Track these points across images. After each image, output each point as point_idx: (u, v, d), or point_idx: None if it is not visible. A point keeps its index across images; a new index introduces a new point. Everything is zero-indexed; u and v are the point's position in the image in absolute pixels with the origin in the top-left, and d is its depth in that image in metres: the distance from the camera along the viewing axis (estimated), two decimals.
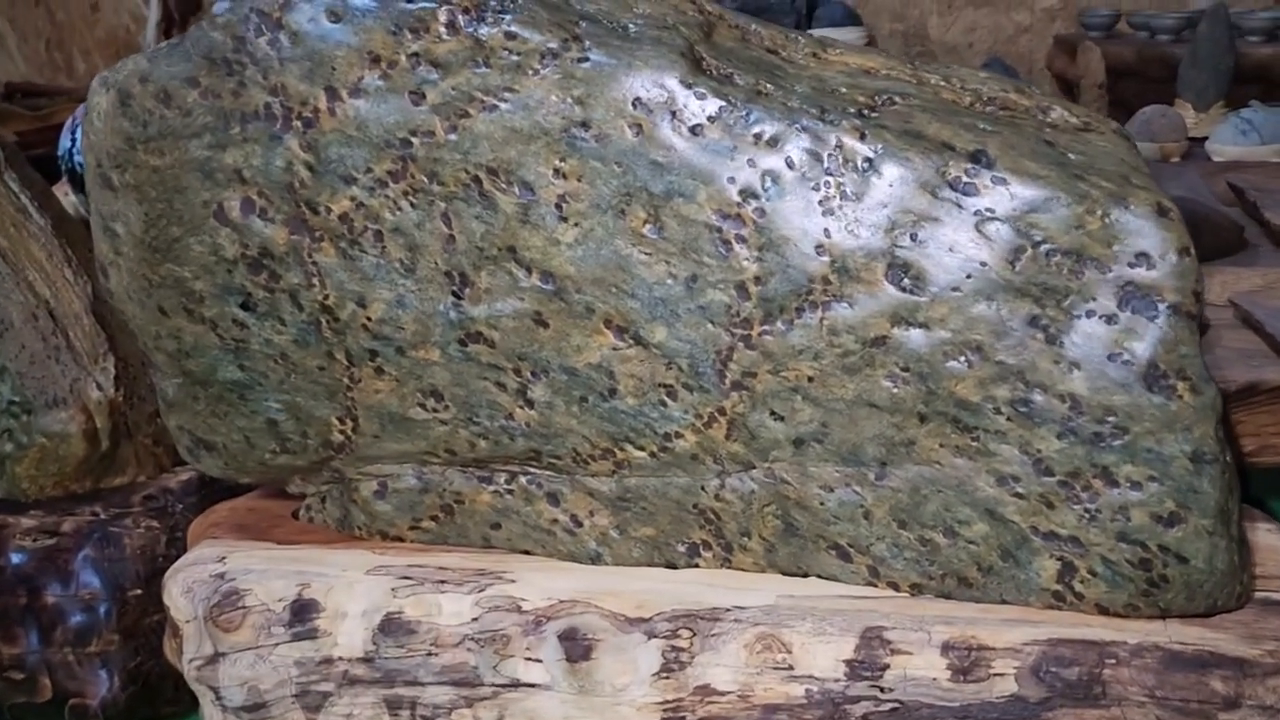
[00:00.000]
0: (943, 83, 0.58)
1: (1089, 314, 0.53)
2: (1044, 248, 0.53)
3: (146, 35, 2.35)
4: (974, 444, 0.56)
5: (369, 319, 0.62)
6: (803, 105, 0.55)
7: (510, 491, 0.67)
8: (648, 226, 0.57)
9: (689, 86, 0.55)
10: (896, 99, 0.56)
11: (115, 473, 0.85)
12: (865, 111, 0.56)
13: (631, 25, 0.57)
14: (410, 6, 0.56)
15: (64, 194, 1.31)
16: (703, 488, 0.62)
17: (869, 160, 0.54)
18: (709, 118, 0.55)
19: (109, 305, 0.80)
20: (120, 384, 0.83)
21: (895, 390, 0.57)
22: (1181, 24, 1.82)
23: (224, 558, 0.70)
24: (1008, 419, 0.55)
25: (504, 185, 0.58)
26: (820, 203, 0.55)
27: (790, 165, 0.55)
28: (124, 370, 0.84)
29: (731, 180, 0.55)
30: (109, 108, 0.61)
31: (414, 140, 0.58)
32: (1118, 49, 1.83)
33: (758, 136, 0.55)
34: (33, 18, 2.31)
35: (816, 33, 0.87)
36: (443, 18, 0.56)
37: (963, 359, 0.55)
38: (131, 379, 0.85)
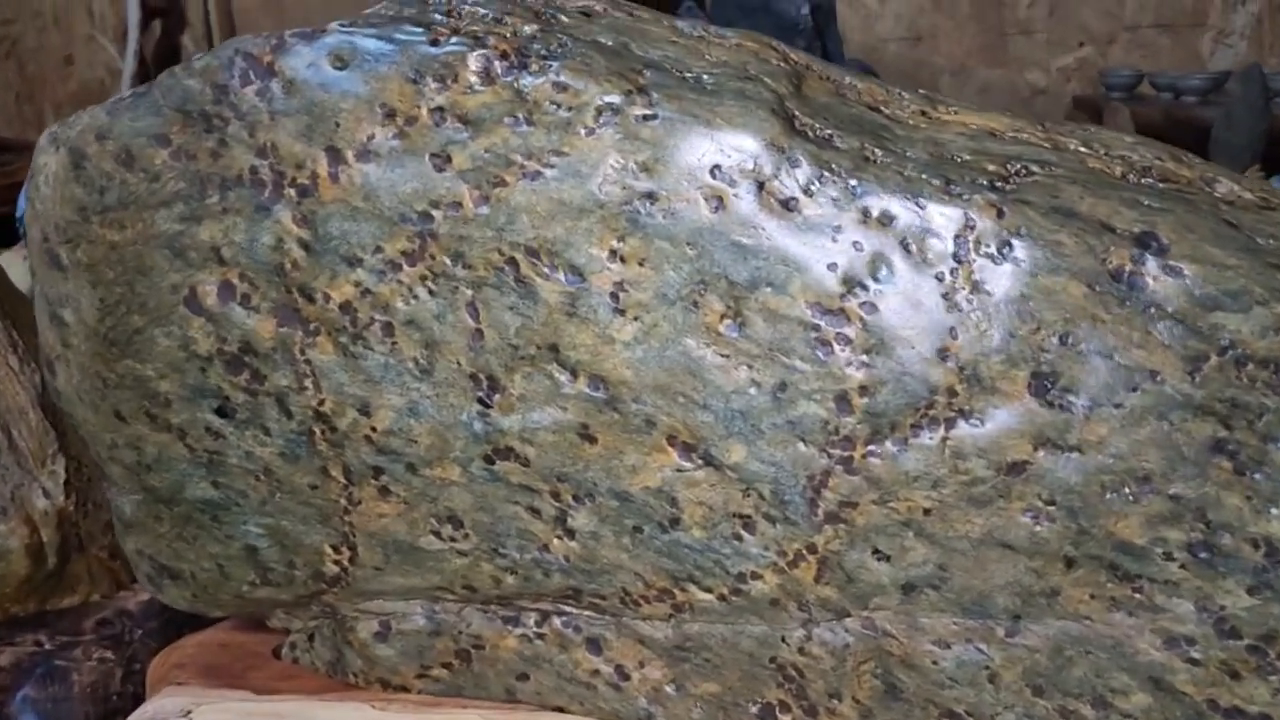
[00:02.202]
0: (1083, 147, 0.48)
1: None
2: (1232, 355, 0.43)
3: (122, 90, 2.24)
4: (1136, 596, 0.45)
5: (374, 429, 0.51)
6: (921, 175, 0.45)
7: (541, 635, 0.55)
8: (726, 323, 0.46)
9: (781, 151, 0.45)
10: (1034, 167, 0.46)
11: (64, 592, 0.73)
12: (998, 183, 0.45)
13: (706, 75, 0.46)
14: (434, 50, 0.46)
15: (24, 257, 1.19)
16: (783, 639, 0.51)
17: (1008, 243, 0.44)
18: (806, 190, 0.45)
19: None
20: (71, 489, 0.71)
21: (1036, 528, 0.45)
22: (1209, 85, 1.75)
23: (189, 711, 0.58)
24: (1182, 567, 0.44)
25: (547, 270, 0.47)
26: (945, 295, 0.44)
27: (907, 249, 0.44)
28: (76, 473, 0.72)
29: (833, 267, 0.45)
30: (59, 170, 0.50)
31: (436, 214, 0.47)
32: (1144, 111, 1.75)
33: (866, 213, 0.44)
34: (2, 70, 2.21)
35: None
36: (474, 64, 0.46)
37: (1125, 491, 0.44)
38: (85, 482, 0.73)
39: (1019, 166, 0.46)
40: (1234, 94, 1.59)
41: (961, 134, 0.47)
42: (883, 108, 0.49)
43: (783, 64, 0.48)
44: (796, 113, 0.46)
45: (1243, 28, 1.80)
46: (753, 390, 0.46)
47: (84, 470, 0.74)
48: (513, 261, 0.47)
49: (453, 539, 0.53)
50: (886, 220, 0.44)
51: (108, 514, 0.75)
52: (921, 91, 0.50)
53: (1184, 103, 1.78)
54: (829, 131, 0.46)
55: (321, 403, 0.51)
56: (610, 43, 0.47)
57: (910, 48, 1.95)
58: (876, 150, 0.45)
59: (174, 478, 0.55)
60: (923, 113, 0.49)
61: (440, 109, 0.46)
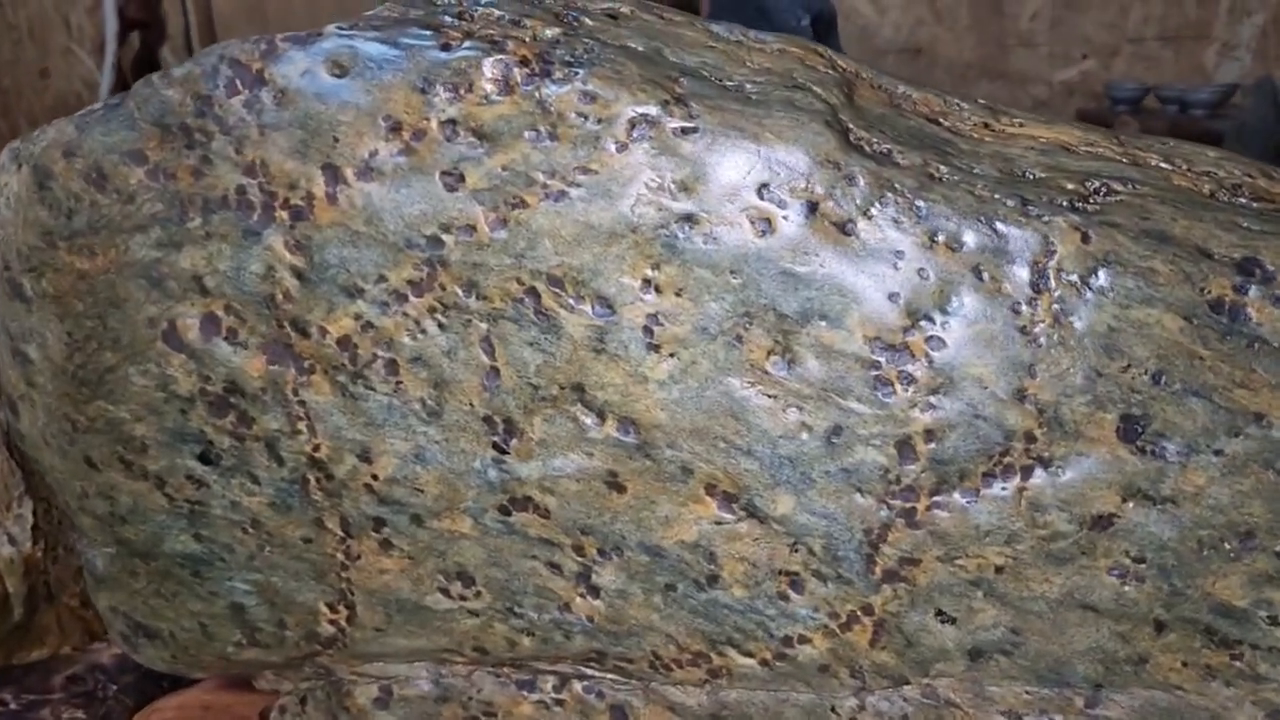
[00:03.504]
0: (1164, 163, 0.43)
1: None
2: None
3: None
4: (1236, 664, 0.40)
5: (375, 477, 0.46)
6: (994, 194, 0.40)
7: (560, 702, 0.50)
8: (773, 359, 0.41)
9: (837, 168, 0.40)
10: (1116, 185, 0.41)
11: (31, 645, 0.67)
12: (1079, 203, 0.40)
13: (748, 84, 0.42)
14: (445, 56, 0.41)
15: None
16: (833, 709, 0.46)
17: (1094, 271, 0.39)
18: (864, 211, 0.40)
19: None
20: (40, 534, 0.65)
21: (1123, 588, 0.41)
22: (1217, 98, 1.72)
23: None
24: None
25: (572, 301, 0.42)
26: (1023, 329, 0.39)
27: (980, 276, 0.39)
28: (44, 516, 0.67)
29: (895, 297, 0.40)
30: (21, 191, 0.45)
31: (446, 239, 0.42)
32: (1151, 125, 1.72)
33: (933, 237, 0.40)
34: None
35: None
36: (491, 71, 0.41)
37: (1225, 548, 0.39)
38: (54, 524, 0.67)
39: (1098, 185, 0.41)
40: (1245, 107, 1.55)
41: (1032, 148, 0.42)
42: (941, 119, 0.44)
43: (831, 71, 0.43)
44: (851, 125, 0.41)
45: (1248, 40, 1.77)
46: (803, 435, 0.41)
47: (53, 512, 0.68)
48: (533, 292, 0.42)
49: (463, 597, 0.48)
50: (956, 245, 0.39)
51: (78, 559, 0.69)
52: (981, 101, 0.45)
53: (1192, 116, 1.75)
54: (887, 146, 0.41)
55: (317, 448, 0.46)
56: (641, 48, 0.42)
57: (909, 60, 1.91)
58: (941, 167, 0.41)
59: (151, 530, 0.49)
60: (985, 124, 0.44)
61: (452, 121, 0.41)
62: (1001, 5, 1.93)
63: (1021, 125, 0.44)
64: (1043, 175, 0.41)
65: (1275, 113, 1.54)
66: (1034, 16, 1.92)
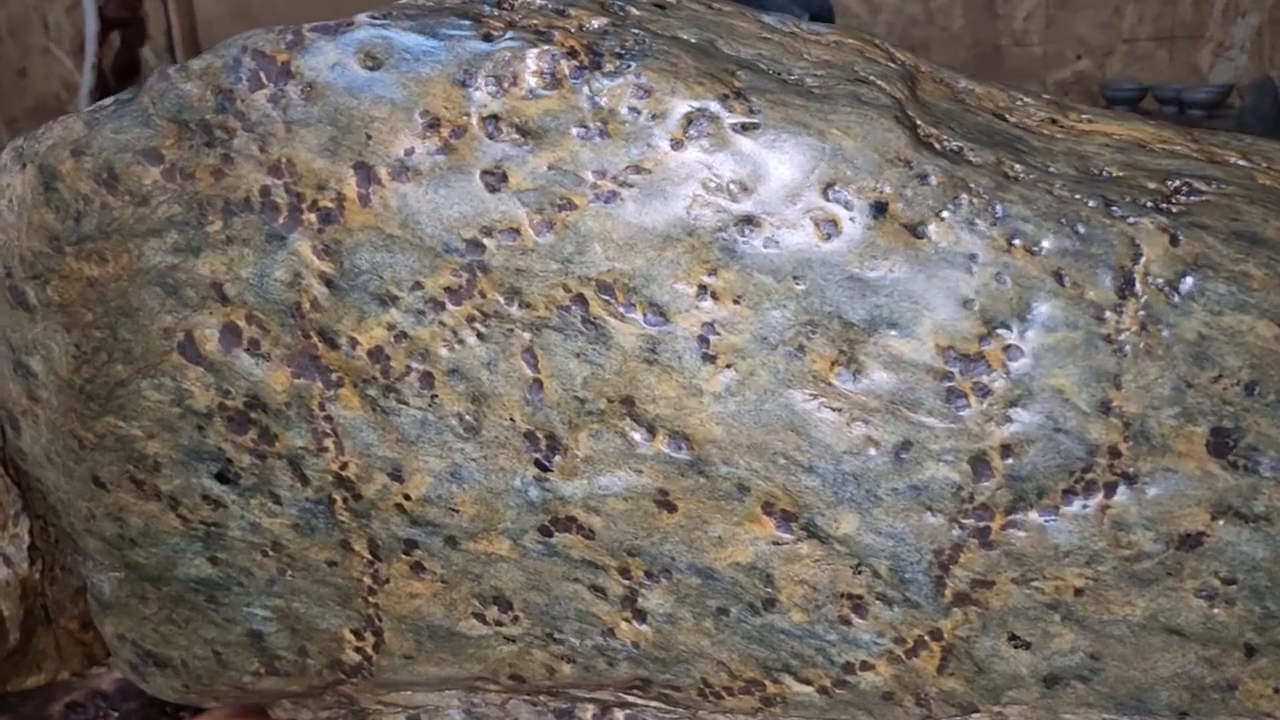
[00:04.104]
0: (1243, 160, 0.41)
1: None
2: None
3: (79, 105, 2.15)
4: None
5: (407, 497, 0.43)
6: (1075, 194, 0.38)
7: None
8: (838, 371, 0.39)
9: (908, 166, 0.37)
10: (1199, 185, 0.39)
11: (27, 671, 0.64)
12: (1162, 203, 0.38)
13: (809, 78, 0.39)
14: (487, 47, 0.38)
15: None
16: None
17: (1183, 275, 0.37)
18: (937, 213, 0.37)
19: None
20: (37, 554, 0.62)
21: (1212, 611, 0.38)
22: (1216, 98, 1.71)
23: None
24: None
25: (622, 309, 0.39)
26: (1107, 338, 0.37)
27: (1061, 281, 0.37)
28: (41, 534, 0.63)
29: (969, 304, 0.37)
30: (25, 192, 0.41)
31: (487, 243, 0.39)
32: None
33: (1010, 240, 0.37)
34: None
35: None
36: (537, 64, 0.38)
37: None
38: (52, 544, 0.64)
39: (1179, 184, 0.39)
40: (1244, 107, 1.54)
41: (1106, 145, 0.40)
42: (1007, 115, 0.41)
43: (891, 63, 0.41)
44: (919, 121, 0.39)
45: (1243, 40, 1.77)
46: (870, 450, 0.39)
47: (50, 531, 0.65)
48: (581, 299, 0.39)
49: (499, 623, 0.45)
50: (1035, 248, 0.37)
51: (79, 580, 0.66)
52: (1046, 96, 0.43)
53: (1189, 116, 1.74)
54: (958, 143, 0.39)
55: (344, 466, 0.43)
56: (693, 39, 0.40)
57: None
58: (1015, 165, 0.38)
59: (164, 553, 0.46)
60: (1052, 120, 0.42)
61: (495, 117, 0.38)
62: (995, 5, 1.92)
63: (1090, 121, 0.42)
64: (1121, 174, 0.39)
65: (1274, 112, 1.53)
66: (1028, 16, 1.91)
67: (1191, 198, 0.38)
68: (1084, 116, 0.42)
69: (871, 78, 0.39)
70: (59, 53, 2.26)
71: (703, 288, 0.39)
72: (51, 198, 0.41)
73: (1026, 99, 0.42)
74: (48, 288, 0.42)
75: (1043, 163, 0.39)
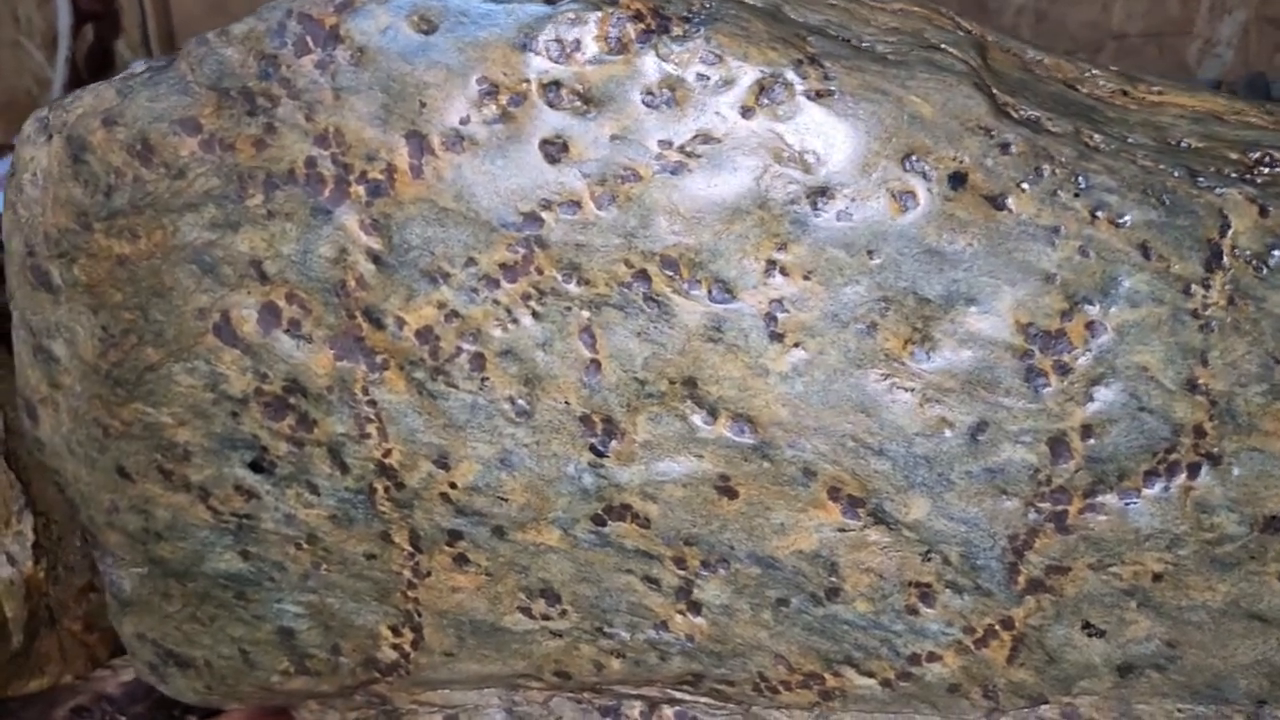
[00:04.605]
0: None
1: None
2: None
3: (51, 100, 2.09)
4: None
5: (453, 485, 0.41)
6: (1159, 165, 0.36)
7: None
8: (912, 349, 0.37)
9: (989, 135, 0.36)
10: (1279, 155, 0.38)
11: (30, 674, 0.61)
12: (1246, 174, 0.37)
13: (879, 44, 0.38)
14: (549, 10, 0.36)
15: None
16: None
17: (1271, 247, 0.36)
18: (1018, 183, 0.36)
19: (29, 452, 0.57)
20: (41, 552, 0.60)
21: None
22: None
23: None
24: None
25: (686, 285, 0.37)
26: (1194, 312, 0.36)
27: (1146, 255, 0.36)
28: (44, 531, 0.61)
29: (1051, 278, 0.36)
30: (52, 165, 0.39)
31: (546, 216, 0.38)
32: None
33: (1094, 211, 0.36)
34: None
35: None
36: (600, 28, 0.36)
37: None
38: (55, 542, 0.62)
39: (1260, 154, 0.38)
40: None
41: (1181, 117, 0.39)
42: (1077, 85, 0.40)
43: (959, 31, 0.40)
44: (995, 89, 0.37)
45: (1229, 37, 1.77)
46: (945, 432, 0.37)
47: (52, 528, 0.63)
48: (643, 275, 0.37)
49: (546, 617, 0.43)
50: (1119, 220, 0.36)
51: (81, 578, 0.64)
52: (1113, 68, 0.41)
53: None
54: (1034, 112, 0.37)
55: (387, 453, 0.41)
56: (760, 3, 0.38)
57: None
58: (1095, 135, 0.37)
59: (191, 547, 0.44)
60: (1123, 92, 0.40)
61: (555, 84, 0.36)
62: (986, 1, 1.93)
63: (1161, 93, 0.41)
64: (1200, 145, 0.38)
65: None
66: (1019, 11, 1.91)
67: (1275, 169, 0.37)
68: (1154, 88, 0.41)
69: (943, 45, 0.38)
70: (30, 46, 2.22)
71: (771, 263, 0.37)
72: (80, 171, 0.39)
73: (1095, 70, 0.41)
74: (74, 267, 0.40)
75: (1120, 133, 0.38)
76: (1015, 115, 0.37)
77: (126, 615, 0.48)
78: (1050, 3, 1.95)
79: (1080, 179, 0.36)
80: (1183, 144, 0.38)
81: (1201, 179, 0.36)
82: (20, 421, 0.46)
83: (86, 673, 0.63)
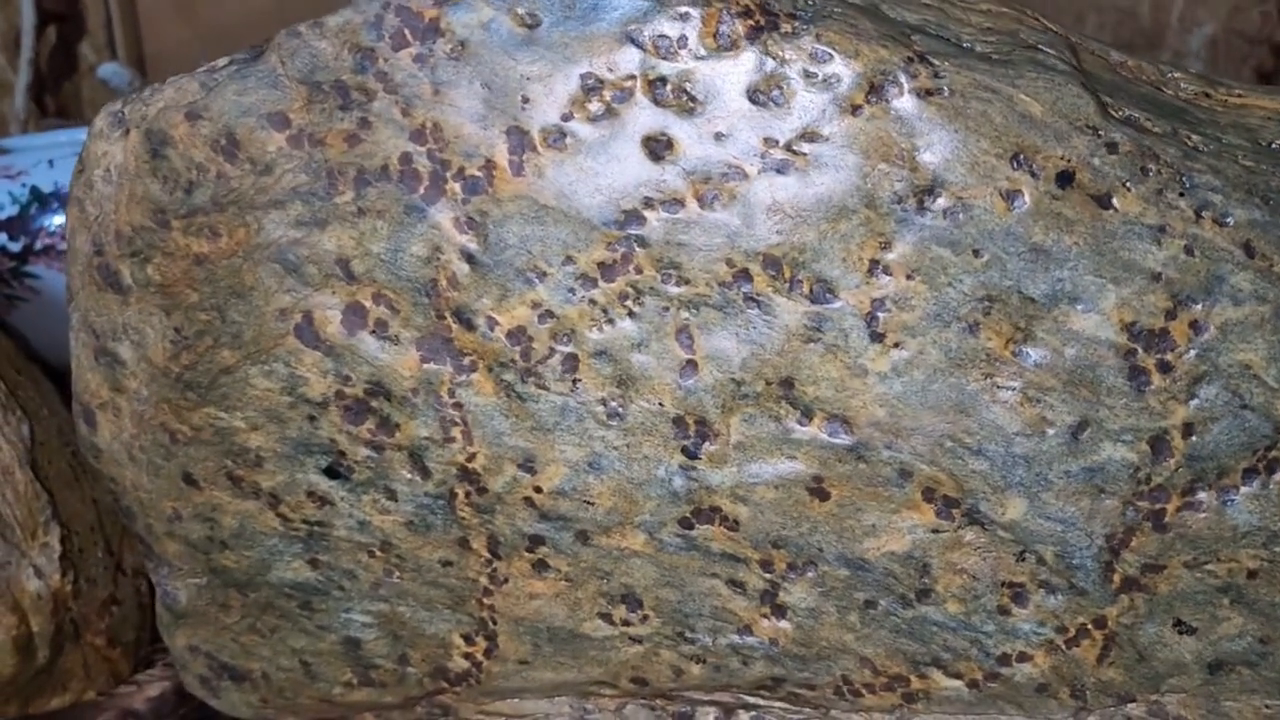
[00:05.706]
0: None
1: None
2: None
3: (15, 103, 2.05)
4: None
5: (538, 490, 0.40)
6: (1261, 165, 0.37)
7: None
8: (1014, 348, 0.37)
9: (1097, 134, 0.36)
10: None
11: (53, 691, 0.59)
12: None
13: (979, 44, 0.38)
14: (655, 5, 0.36)
15: None
16: None
17: None
18: (1124, 182, 0.36)
19: (57, 456, 0.56)
20: (66, 565, 0.58)
21: None
22: None
23: None
24: None
25: (788, 285, 0.37)
26: None
27: (1250, 254, 0.36)
28: (69, 543, 0.59)
29: (1157, 278, 0.36)
30: (129, 161, 0.38)
31: (648, 214, 0.37)
32: None
33: (1199, 211, 0.36)
34: None
35: None
36: (707, 23, 0.36)
37: None
38: (79, 554, 0.60)
39: None
40: None
41: (1268, 119, 0.39)
42: (1163, 88, 0.41)
43: (1049, 31, 0.40)
44: (1096, 90, 0.37)
45: (1198, 49, 1.81)
46: (1046, 431, 0.37)
47: (75, 538, 0.60)
48: (745, 275, 0.37)
49: (626, 622, 0.42)
50: (1223, 219, 0.36)
51: (103, 591, 0.62)
52: (1192, 70, 0.42)
53: None
54: (1131, 112, 0.37)
55: (471, 457, 0.40)
56: (860, 1, 0.38)
57: None
58: (1193, 136, 0.37)
59: (258, 556, 0.43)
60: (1206, 94, 0.41)
61: (661, 80, 0.36)
62: None
63: (1241, 95, 0.41)
64: None
65: None
66: None
67: None
68: (1234, 90, 0.41)
69: (1041, 45, 0.38)
70: None
71: (874, 263, 0.37)
72: (159, 166, 0.37)
73: (1176, 73, 0.41)
74: (148, 266, 0.39)
75: (1215, 134, 0.38)
76: (1117, 115, 0.37)
77: (180, 628, 0.46)
78: None
79: (1185, 178, 0.36)
80: (1273, 145, 0.38)
81: None
82: (78, 431, 0.44)
83: (109, 689, 0.61)
